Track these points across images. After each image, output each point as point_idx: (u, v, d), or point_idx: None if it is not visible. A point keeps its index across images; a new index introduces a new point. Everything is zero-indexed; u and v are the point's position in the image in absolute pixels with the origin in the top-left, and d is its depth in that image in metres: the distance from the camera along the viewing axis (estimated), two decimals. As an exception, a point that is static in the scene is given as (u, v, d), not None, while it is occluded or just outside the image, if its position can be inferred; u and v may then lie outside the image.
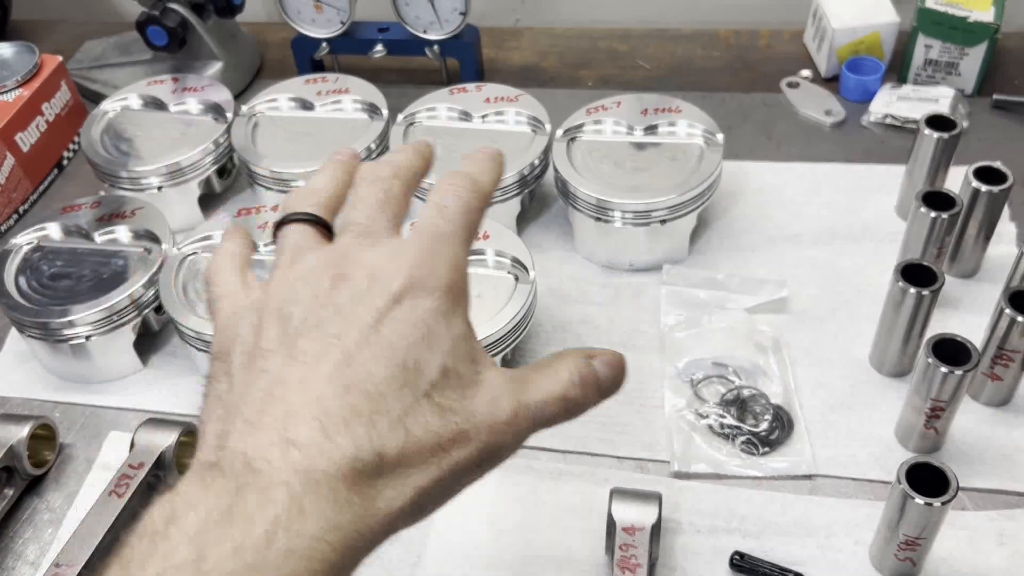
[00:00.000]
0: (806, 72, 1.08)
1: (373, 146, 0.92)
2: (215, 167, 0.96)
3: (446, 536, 0.70)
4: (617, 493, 0.66)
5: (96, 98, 1.14)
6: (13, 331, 0.89)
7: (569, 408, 0.44)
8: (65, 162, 1.08)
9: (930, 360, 0.65)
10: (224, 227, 0.84)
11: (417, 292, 0.41)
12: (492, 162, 0.48)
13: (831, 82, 1.07)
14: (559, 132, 0.89)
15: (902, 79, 1.04)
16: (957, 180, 0.80)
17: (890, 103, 1.00)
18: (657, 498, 0.65)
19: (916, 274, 0.70)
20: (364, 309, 0.40)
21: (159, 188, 0.93)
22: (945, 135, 0.82)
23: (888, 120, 1.00)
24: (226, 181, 1.00)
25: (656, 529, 0.64)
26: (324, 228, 0.46)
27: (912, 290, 0.69)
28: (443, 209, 0.44)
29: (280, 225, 0.47)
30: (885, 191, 0.92)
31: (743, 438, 0.73)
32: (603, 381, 0.45)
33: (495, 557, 0.68)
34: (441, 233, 0.43)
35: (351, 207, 0.46)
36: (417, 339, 0.40)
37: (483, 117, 0.93)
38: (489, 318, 0.74)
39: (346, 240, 0.44)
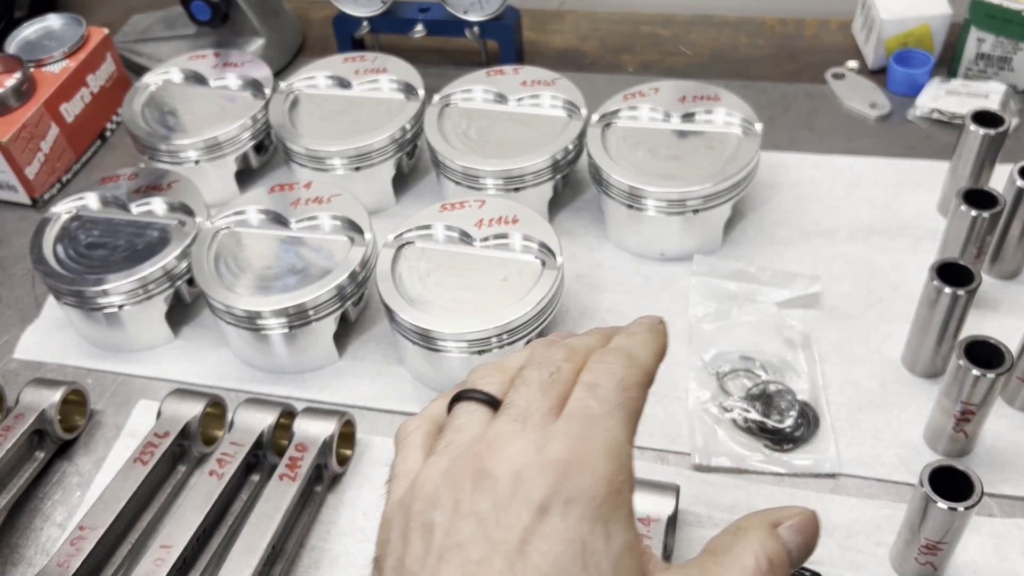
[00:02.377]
0: (852, 63, 1.06)
1: (407, 126, 0.92)
2: (252, 143, 0.97)
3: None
4: (635, 483, 0.65)
5: (141, 71, 1.15)
6: (51, 298, 0.90)
7: None
8: (108, 134, 1.10)
9: (961, 362, 0.63)
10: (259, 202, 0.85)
11: (568, 495, 0.36)
12: (651, 333, 0.44)
13: (878, 74, 1.04)
14: (594, 117, 0.89)
15: (952, 73, 1.01)
16: (1003, 179, 0.78)
17: (938, 97, 0.98)
18: (675, 490, 0.64)
19: (952, 273, 0.69)
20: (508, 527, 0.36)
21: (196, 162, 0.94)
22: (991, 131, 0.79)
23: (935, 115, 0.97)
24: (263, 157, 1.00)
25: (672, 521, 0.63)
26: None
27: (947, 289, 0.68)
28: (594, 388, 0.40)
29: (456, 400, 0.44)
30: (928, 188, 0.90)
31: (767, 433, 0.72)
32: (794, 552, 0.40)
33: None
34: (593, 416, 0.38)
35: (514, 388, 0.42)
36: (570, 561, 0.35)
37: (519, 100, 0.92)
38: (514, 302, 0.74)
39: (498, 426, 0.40)
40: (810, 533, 0.41)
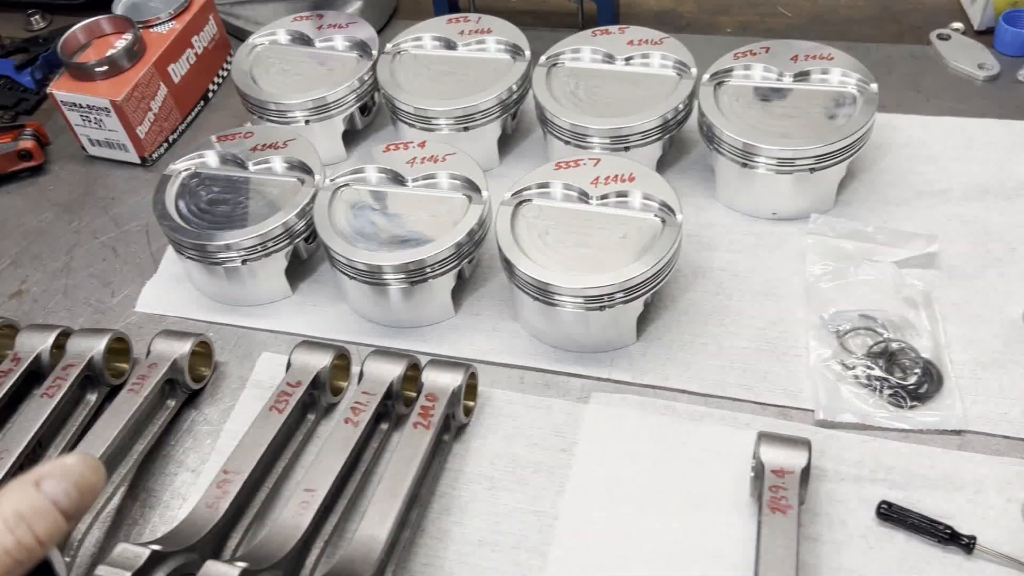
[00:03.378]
0: (957, 24, 1.04)
1: (514, 86, 0.92)
2: (358, 104, 0.98)
3: (588, 469, 0.71)
4: (765, 437, 0.66)
5: (239, 34, 1.17)
6: (168, 254, 0.93)
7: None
8: (210, 95, 1.12)
9: (1101, 319, 0.63)
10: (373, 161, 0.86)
11: None
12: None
13: (984, 35, 1.03)
14: (706, 76, 0.88)
15: (1063, 33, 0.99)
16: None
17: (1050, 58, 0.96)
18: (807, 443, 0.65)
19: (1086, 232, 0.68)
20: None
21: (306, 122, 0.95)
22: (1118, 90, 0.78)
23: (1048, 75, 0.96)
24: (367, 118, 1.02)
25: (806, 473, 0.64)
26: None
27: (1082, 248, 0.67)
28: None
29: None
30: (1042, 149, 0.89)
31: (890, 391, 0.72)
32: (65, 499, 0.41)
33: (637, 492, 0.69)
34: None
35: None
36: None
37: (627, 60, 0.92)
38: (633, 260, 0.74)
39: None
40: (75, 475, 0.42)
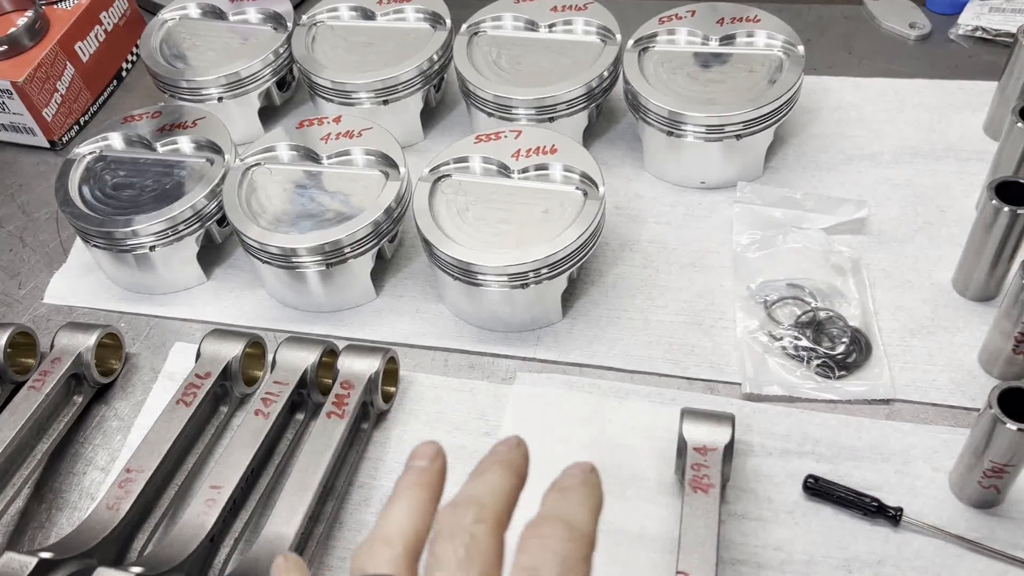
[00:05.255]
0: (889, -17, 1.02)
1: (435, 56, 0.89)
2: (275, 79, 0.94)
3: (512, 452, 0.69)
4: (688, 413, 0.64)
5: (153, 9, 1.12)
6: (78, 242, 0.89)
7: None
8: (124, 74, 1.07)
9: (1024, 282, 0.61)
10: (284, 143, 0.82)
11: None
12: (586, 487, 0.39)
13: (916, -7, 1.01)
14: (630, 42, 0.86)
15: (994, -10, 0.98)
16: (1055, 96, 0.76)
17: (981, 15, 0.94)
18: (730, 419, 0.63)
19: (1011, 192, 0.66)
20: None
21: (220, 99, 0.91)
22: (1045, 47, 0.77)
23: (979, 33, 0.94)
24: (286, 94, 0.98)
25: (729, 450, 0.62)
26: None
27: (1006, 209, 0.66)
28: (535, 573, 0.35)
29: None
30: (973, 109, 0.87)
31: (818, 361, 0.70)
32: None
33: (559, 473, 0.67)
34: None
35: (428, 573, 0.37)
36: None
37: (550, 26, 0.89)
38: (556, 235, 0.72)
39: None
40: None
